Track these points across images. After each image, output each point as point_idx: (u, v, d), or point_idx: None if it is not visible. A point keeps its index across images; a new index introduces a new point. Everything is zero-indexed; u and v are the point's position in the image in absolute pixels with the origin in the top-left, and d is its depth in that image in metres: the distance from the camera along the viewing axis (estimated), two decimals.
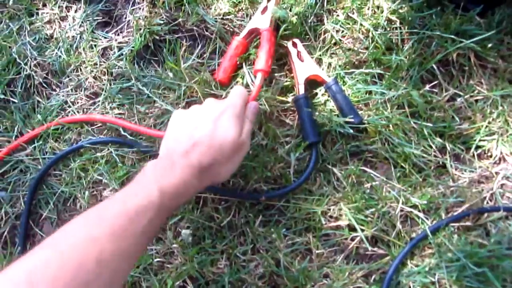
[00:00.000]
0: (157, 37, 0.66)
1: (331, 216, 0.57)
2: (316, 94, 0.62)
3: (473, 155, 0.60)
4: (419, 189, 0.57)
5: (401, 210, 0.57)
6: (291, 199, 0.57)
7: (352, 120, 0.57)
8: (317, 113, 0.59)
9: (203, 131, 0.42)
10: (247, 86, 0.61)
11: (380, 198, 0.57)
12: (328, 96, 0.61)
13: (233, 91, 0.48)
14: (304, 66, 0.61)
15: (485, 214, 0.56)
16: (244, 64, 0.62)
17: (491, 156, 0.61)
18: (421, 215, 0.56)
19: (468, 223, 0.56)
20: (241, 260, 0.55)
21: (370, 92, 0.61)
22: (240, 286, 0.54)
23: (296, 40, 0.62)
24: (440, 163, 0.59)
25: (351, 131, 0.57)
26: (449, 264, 0.54)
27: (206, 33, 0.65)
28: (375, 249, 0.56)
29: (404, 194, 0.57)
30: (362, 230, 0.56)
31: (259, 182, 0.57)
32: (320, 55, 0.63)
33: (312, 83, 0.62)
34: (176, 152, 0.41)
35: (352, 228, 0.56)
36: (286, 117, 0.62)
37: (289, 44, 0.62)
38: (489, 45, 0.61)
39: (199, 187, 0.41)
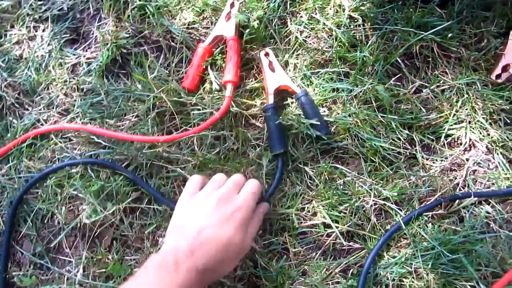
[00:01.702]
0: (124, 51, 0.71)
1: (306, 215, 0.61)
2: (286, 102, 0.67)
3: (443, 144, 0.65)
4: (390, 182, 0.62)
5: (375, 204, 0.61)
6: (265, 201, 0.61)
7: (319, 133, 0.61)
8: (285, 117, 0.64)
9: (211, 231, 0.42)
10: (214, 91, 0.66)
11: (353, 193, 0.61)
12: (297, 107, 0.66)
13: (251, 185, 0.49)
14: (274, 76, 0.66)
15: (458, 201, 0.61)
16: (210, 69, 0.67)
17: (461, 144, 0.65)
18: (394, 207, 0.60)
19: (441, 211, 0.60)
20: None
21: (337, 90, 0.66)
22: None
23: (268, 50, 0.67)
24: (411, 154, 0.64)
25: (316, 136, 0.61)
26: (425, 253, 0.58)
27: (172, 43, 0.70)
28: (351, 243, 0.60)
29: (375, 188, 0.61)
30: (337, 226, 0.60)
31: None
32: (286, 57, 0.68)
33: (282, 91, 0.67)
34: (181, 250, 0.41)
35: (327, 225, 0.60)
36: (256, 120, 0.66)
37: (261, 54, 0.66)
38: (450, 35, 0.66)
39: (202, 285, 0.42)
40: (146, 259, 0.56)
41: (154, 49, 0.70)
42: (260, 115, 0.65)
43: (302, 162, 0.62)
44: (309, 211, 0.60)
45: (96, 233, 0.62)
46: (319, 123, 0.60)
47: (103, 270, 0.60)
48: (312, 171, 0.61)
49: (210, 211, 0.44)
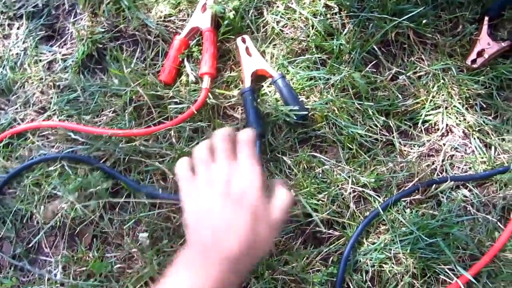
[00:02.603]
0: (100, 46, 0.72)
1: None
2: (263, 87, 0.69)
3: (421, 130, 0.67)
4: (368, 168, 0.64)
5: (353, 191, 0.63)
6: None
7: (298, 112, 0.63)
8: (263, 105, 0.66)
9: (228, 220, 0.39)
10: (191, 83, 0.68)
11: (331, 181, 0.63)
12: (275, 90, 0.68)
13: (244, 144, 0.44)
14: (251, 61, 0.67)
15: (435, 186, 0.63)
16: (187, 62, 0.68)
17: (438, 129, 0.67)
18: (372, 193, 0.62)
19: (418, 197, 0.63)
20: None
21: (314, 78, 0.68)
22: None
23: (246, 36, 0.69)
24: (388, 141, 0.66)
25: (296, 118, 0.63)
26: (403, 238, 0.60)
27: (148, 36, 0.71)
28: (331, 231, 0.62)
29: (354, 175, 0.63)
30: (317, 215, 0.62)
31: None
32: (263, 47, 0.70)
33: (260, 78, 0.69)
34: (211, 244, 0.38)
35: (307, 214, 0.62)
36: (234, 111, 0.68)
37: (238, 40, 0.68)
38: (425, 22, 0.68)
39: (238, 281, 0.38)
40: (127, 254, 0.58)
41: (130, 43, 0.71)
42: (238, 105, 0.66)
43: (280, 152, 0.64)
44: None
45: (76, 231, 0.64)
46: (297, 107, 0.62)
47: (84, 268, 0.62)
48: (291, 160, 0.63)
49: (219, 200, 0.41)
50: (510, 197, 0.61)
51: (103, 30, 0.70)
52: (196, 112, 0.62)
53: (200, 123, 0.64)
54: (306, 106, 0.64)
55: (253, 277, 0.58)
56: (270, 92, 0.67)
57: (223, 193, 0.41)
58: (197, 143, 0.64)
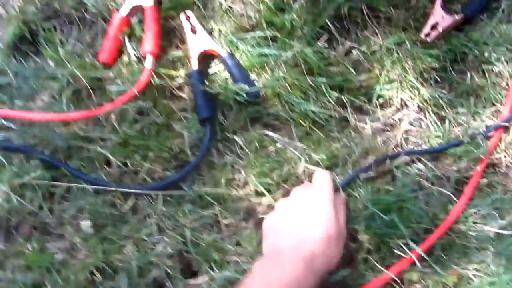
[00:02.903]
0: (33, 27, 0.74)
1: (237, 185, 0.67)
2: (211, 66, 0.73)
3: (376, 105, 0.73)
4: (322, 146, 0.69)
5: (308, 169, 0.68)
6: (194, 174, 0.67)
7: (249, 90, 0.67)
8: (212, 85, 0.70)
9: (312, 223, 0.49)
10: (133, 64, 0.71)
11: (285, 160, 0.68)
12: (224, 69, 0.72)
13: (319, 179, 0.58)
14: (198, 40, 0.71)
15: (390, 161, 0.69)
16: (128, 41, 0.71)
17: (392, 104, 0.73)
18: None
19: (373, 174, 0.68)
20: (148, 243, 0.64)
21: (265, 55, 0.72)
22: (150, 269, 0.63)
23: (189, 13, 0.72)
24: (342, 117, 0.71)
25: (247, 97, 0.67)
26: (358, 214, 0.65)
27: (86, 15, 0.74)
28: None
29: (307, 153, 0.68)
30: (270, 195, 0.66)
31: (156, 162, 0.67)
32: (211, 24, 0.73)
33: (208, 57, 0.72)
34: (284, 246, 0.47)
35: (259, 194, 0.66)
36: (182, 91, 0.72)
37: (182, 18, 0.72)
38: None
39: (315, 283, 0.44)
40: (69, 244, 0.61)
41: (66, 22, 0.74)
42: (187, 85, 0.70)
43: (231, 131, 0.68)
44: (240, 181, 0.66)
45: (13, 224, 0.65)
46: (247, 86, 0.66)
47: (22, 261, 0.64)
48: (242, 140, 0.68)
49: (305, 208, 0.52)
50: (464, 170, 0.68)
51: (35, 9, 0.72)
52: (138, 94, 0.64)
53: (144, 105, 0.67)
54: (257, 84, 0.67)
55: (204, 261, 0.61)
56: (219, 71, 0.71)
57: (301, 207, 0.54)
58: (142, 126, 0.67)
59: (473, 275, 0.66)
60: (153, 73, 0.68)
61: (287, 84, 0.70)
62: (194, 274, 0.63)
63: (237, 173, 0.67)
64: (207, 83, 0.69)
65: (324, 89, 0.70)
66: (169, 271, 0.62)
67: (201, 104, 0.67)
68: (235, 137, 0.68)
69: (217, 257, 0.62)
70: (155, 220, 0.65)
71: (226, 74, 0.71)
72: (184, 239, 0.64)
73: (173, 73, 0.71)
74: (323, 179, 0.59)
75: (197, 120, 0.68)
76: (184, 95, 0.71)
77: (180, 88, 0.71)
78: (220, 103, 0.69)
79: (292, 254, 0.45)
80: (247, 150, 0.68)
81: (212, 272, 0.60)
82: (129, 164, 0.67)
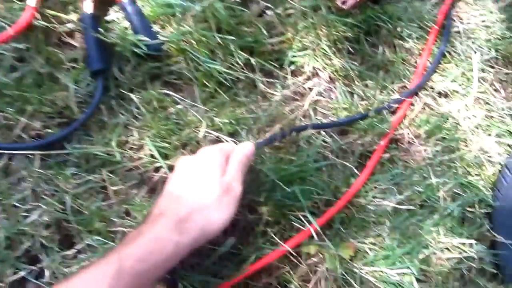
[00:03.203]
0: None
1: (130, 148, 0.66)
2: (108, 12, 0.70)
3: (287, 71, 0.76)
4: (227, 110, 0.71)
5: (209, 134, 0.69)
6: (80, 133, 0.65)
7: (150, 43, 0.66)
8: (108, 34, 0.67)
9: (178, 182, 0.52)
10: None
11: (185, 123, 0.68)
12: (124, 17, 0.70)
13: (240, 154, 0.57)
14: None
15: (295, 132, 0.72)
16: None
17: (304, 73, 0.77)
18: (228, 138, 0.69)
19: (277, 143, 0.71)
20: (20, 210, 0.61)
21: (171, 6, 0.71)
22: (22, 241, 0.60)
23: None
24: (251, 81, 0.73)
25: (147, 50, 0.66)
26: (260, 184, 0.68)
27: None
28: None
29: (209, 116, 0.69)
30: (166, 162, 0.66)
31: (35, 117, 0.63)
32: None
33: (106, 1, 0.69)
34: (165, 207, 0.50)
35: (155, 159, 0.66)
36: (72, 39, 0.68)
37: None
38: None
39: (183, 242, 0.46)
40: None
41: None
42: (78, 32, 0.67)
43: (127, 88, 0.66)
44: (134, 144, 0.65)
45: None
46: (149, 38, 0.65)
47: None
48: (139, 98, 0.66)
49: (179, 169, 0.55)
50: (368, 144, 0.73)
51: None
52: (15, 36, 0.60)
53: (25, 50, 0.63)
54: (159, 37, 0.67)
55: (86, 231, 0.60)
56: (118, 19, 0.69)
57: (186, 164, 0.56)
58: (22, 74, 0.63)
59: (369, 248, 0.72)
60: (36, 12, 0.64)
61: (193, 40, 0.70)
62: (73, 246, 0.62)
63: (131, 135, 0.65)
64: (102, 30, 0.67)
65: (232, 48, 0.71)
66: (44, 242, 0.59)
67: (93, 55, 0.64)
68: (131, 95, 0.67)
69: (101, 227, 0.62)
70: (30, 184, 0.61)
71: (126, 23, 0.69)
72: (64, 206, 0.62)
73: (63, 15, 0.67)
74: (227, 146, 0.59)
75: (88, 72, 0.65)
76: (74, 43, 0.67)
77: (70, 34, 0.67)
78: (116, 55, 0.66)
79: (167, 214, 0.47)
80: (143, 110, 0.67)
81: (92, 242, 0.59)
82: (1, 117, 0.63)
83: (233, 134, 0.67)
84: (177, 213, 0.48)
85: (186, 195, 0.50)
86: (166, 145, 0.64)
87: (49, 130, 0.61)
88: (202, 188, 0.51)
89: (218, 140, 0.66)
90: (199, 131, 0.65)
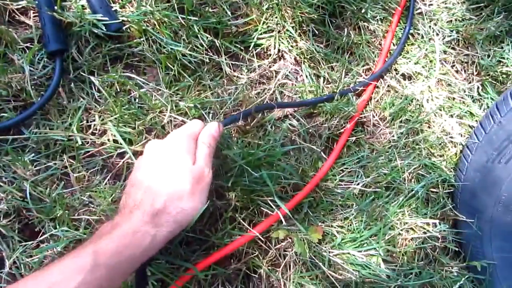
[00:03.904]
0: None
1: (92, 133, 0.67)
2: None
3: (252, 54, 0.78)
4: (192, 94, 0.72)
5: (174, 119, 0.71)
6: (39, 118, 0.65)
7: (109, 22, 0.67)
8: (64, 13, 0.67)
9: (148, 170, 0.52)
10: None
11: (149, 107, 0.70)
12: None
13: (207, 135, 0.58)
14: None
15: (262, 115, 0.75)
16: None
17: (270, 55, 0.80)
18: None
19: (244, 125, 0.74)
20: None
21: None
22: None
23: None
24: (216, 63, 0.75)
25: (106, 30, 0.67)
26: (228, 169, 0.71)
27: None
28: None
29: (174, 100, 0.71)
30: (130, 147, 0.68)
31: None
32: None
33: None
34: (135, 199, 0.50)
35: (118, 144, 0.67)
36: (26, 17, 0.68)
37: None
38: None
39: (159, 235, 0.48)
40: None
41: None
42: (33, 10, 0.66)
43: (87, 70, 0.67)
44: (96, 129, 0.66)
45: None
46: (107, 18, 0.65)
47: None
48: (100, 82, 0.67)
49: (147, 158, 0.56)
50: (335, 128, 0.77)
51: None
52: None
53: None
54: (119, 17, 0.68)
55: (49, 219, 0.61)
56: None
57: (154, 153, 0.56)
58: None
59: (337, 231, 0.76)
60: None
61: (154, 21, 0.71)
62: (35, 235, 0.62)
63: (93, 119, 0.67)
64: (57, 9, 0.66)
65: (196, 30, 0.73)
66: (4, 231, 0.60)
67: (49, 34, 0.64)
68: (92, 78, 0.67)
69: (63, 215, 0.62)
70: None
71: (83, 1, 0.69)
72: (23, 194, 0.63)
73: None
74: (195, 126, 0.59)
75: (45, 53, 0.65)
76: (29, 22, 0.67)
77: (24, 12, 0.66)
78: (74, 36, 0.67)
79: (142, 206, 0.49)
80: (105, 94, 0.67)
81: (55, 231, 0.60)
82: None
83: (199, 118, 0.68)
84: (152, 205, 0.49)
85: (159, 185, 0.51)
86: (130, 130, 0.65)
87: (5, 114, 0.61)
88: (174, 178, 0.52)
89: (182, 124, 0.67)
90: (163, 115, 0.66)
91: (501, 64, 0.89)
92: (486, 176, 0.73)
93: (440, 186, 0.80)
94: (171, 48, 0.66)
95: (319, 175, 0.71)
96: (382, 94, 0.80)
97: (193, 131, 0.56)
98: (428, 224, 0.76)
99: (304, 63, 0.75)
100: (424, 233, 0.75)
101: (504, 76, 0.91)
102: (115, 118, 0.63)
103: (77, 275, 0.42)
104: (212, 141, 0.56)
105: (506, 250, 0.74)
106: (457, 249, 0.81)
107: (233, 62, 0.72)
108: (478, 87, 0.90)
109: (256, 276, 0.69)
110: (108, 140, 0.64)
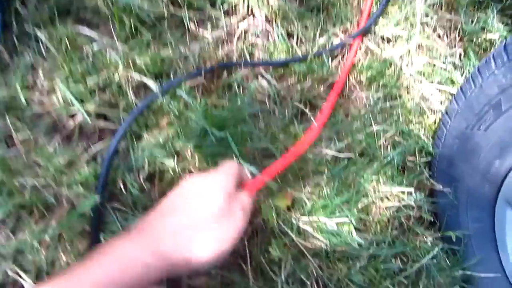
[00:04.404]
0: None
1: (39, 92, 0.61)
2: None
3: (220, 10, 0.72)
4: (150, 50, 0.66)
5: (131, 78, 0.64)
6: None
7: None
8: None
9: (174, 197, 0.47)
10: None
11: (103, 64, 0.63)
12: None
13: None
14: None
15: (228, 74, 0.69)
16: None
17: (239, 12, 0.73)
18: (150, 82, 0.64)
19: (207, 84, 0.68)
20: None
21: None
22: None
23: None
24: (178, 19, 0.68)
25: None
26: (189, 131, 0.65)
27: None
28: (102, 125, 0.63)
29: (131, 57, 0.64)
30: (83, 105, 0.61)
31: None
32: None
33: None
34: (145, 228, 0.45)
35: (69, 103, 0.61)
36: None
37: None
38: None
39: (156, 265, 0.40)
40: None
41: None
42: None
43: (32, 24, 0.60)
44: (43, 87, 0.60)
45: None
46: None
47: None
48: (47, 37, 0.60)
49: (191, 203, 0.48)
50: (307, 91, 0.72)
51: None
52: None
53: None
54: None
55: None
56: None
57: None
58: None
59: (307, 198, 0.72)
60: None
61: None
62: None
63: (40, 77, 0.60)
64: None
65: None
66: None
67: None
68: (38, 32, 0.60)
69: (6, 180, 0.57)
70: None
71: None
72: None
73: None
74: (241, 170, 0.53)
75: None
76: None
77: None
78: None
79: (147, 230, 0.43)
80: (53, 50, 0.61)
81: None
82: None
83: (159, 77, 0.62)
84: (158, 231, 0.43)
85: (178, 213, 0.45)
86: (81, 88, 0.58)
87: None
88: (199, 204, 0.45)
89: (141, 84, 0.61)
90: (120, 73, 0.60)
91: (485, 30, 0.83)
92: (465, 143, 0.69)
93: (417, 154, 0.75)
94: (126, 2, 0.58)
95: (291, 140, 0.65)
96: (360, 57, 0.74)
97: (241, 175, 0.52)
98: (403, 192, 0.72)
99: (275, 22, 0.69)
100: (399, 202, 0.71)
101: (488, 43, 0.86)
102: (64, 76, 0.56)
103: None
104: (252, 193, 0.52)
105: (482, 221, 0.70)
106: (432, 219, 0.76)
107: (198, 18, 0.65)
108: (460, 54, 0.85)
109: None
110: (58, 99, 0.56)
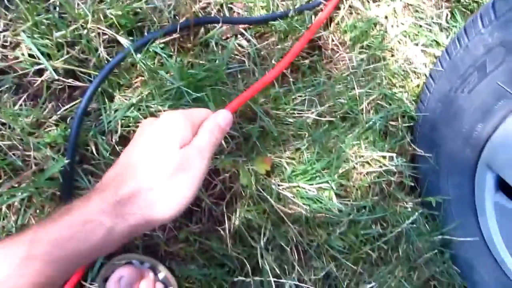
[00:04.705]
0: None
1: (3, 46, 0.56)
2: None
3: None
4: (122, 2, 0.61)
5: (103, 33, 0.60)
6: None
7: None
8: None
9: (130, 149, 0.44)
10: None
11: (71, 16, 0.59)
12: None
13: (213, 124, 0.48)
14: None
15: (206, 31, 0.65)
16: None
17: None
18: (122, 39, 0.60)
19: (184, 42, 0.64)
20: None
21: None
22: None
23: None
24: None
25: None
26: (164, 91, 0.61)
27: None
28: (72, 83, 0.59)
29: (101, 9, 0.59)
30: (50, 61, 0.57)
31: None
32: None
33: None
34: (106, 182, 0.42)
35: (35, 58, 0.57)
36: None
37: None
38: None
39: (118, 227, 0.37)
40: None
41: None
42: None
43: None
44: (7, 41, 0.55)
45: None
46: None
47: None
48: None
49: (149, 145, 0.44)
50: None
51: None
52: None
53: None
54: None
55: None
56: None
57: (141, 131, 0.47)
58: None
59: (287, 163, 0.70)
60: None
61: None
62: None
63: (5, 30, 0.56)
64: None
65: None
66: None
67: None
68: None
69: None
70: None
71: None
72: None
73: None
74: (199, 112, 0.49)
75: None
76: None
77: None
78: None
79: (106, 191, 0.40)
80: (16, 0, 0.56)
81: None
82: None
83: (131, 32, 0.58)
84: (116, 191, 0.40)
85: (134, 168, 0.41)
86: (48, 42, 0.54)
87: None
88: (153, 161, 0.42)
89: (112, 39, 0.57)
90: (90, 27, 0.55)
91: None
92: (448, 106, 0.67)
93: (399, 118, 0.74)
94: None
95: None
96: (343, 16, 0.70)
97: (195, 116, 0.47)
98: (384, 157, 0.70)
99: None
100: (380, 167, 0.69)
101: (475, 4, 0.83)
102: (29, 28, 0.52)
103: (6, 267, 0.33)
104: (218, 132, 0.47)
105: (462, 186, 0.69)
106: (413, 184, 0.75)
107: None
108: (447, 15, 0.82)
109: (199, 210, 0.62)
110: (22, 54, 0.52)
